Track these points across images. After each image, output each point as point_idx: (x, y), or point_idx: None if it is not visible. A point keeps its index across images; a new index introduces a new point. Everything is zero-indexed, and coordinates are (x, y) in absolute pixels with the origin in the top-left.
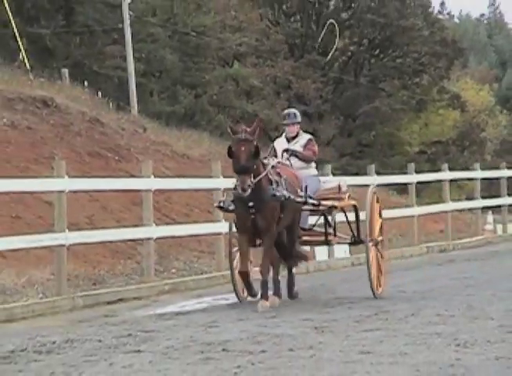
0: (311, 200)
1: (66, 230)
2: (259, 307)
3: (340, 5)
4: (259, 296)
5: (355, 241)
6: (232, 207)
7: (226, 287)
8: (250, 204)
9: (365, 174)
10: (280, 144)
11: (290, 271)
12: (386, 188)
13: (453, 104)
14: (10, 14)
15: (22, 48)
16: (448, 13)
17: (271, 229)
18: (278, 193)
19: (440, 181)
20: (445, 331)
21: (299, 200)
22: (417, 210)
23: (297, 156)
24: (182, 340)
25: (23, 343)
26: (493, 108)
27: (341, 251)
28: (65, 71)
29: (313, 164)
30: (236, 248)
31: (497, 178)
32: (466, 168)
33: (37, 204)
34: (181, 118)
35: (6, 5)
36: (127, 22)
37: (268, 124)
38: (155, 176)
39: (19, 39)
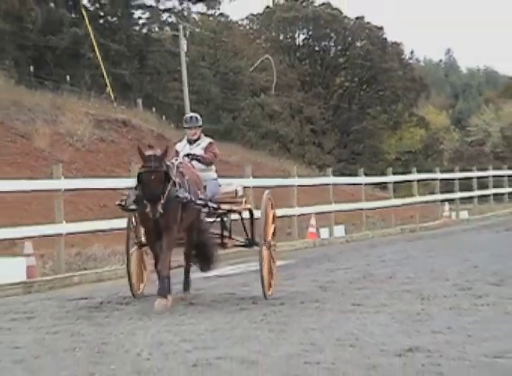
0: (211, 204)
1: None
2: (156, 305)
3: (337, 53)
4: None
5: (249, 243)
6: (132, 207)
7: (255, 258)
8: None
9: (356, 175)
10: (182, 147)
11: (187, 271)
12: (372, 186)
13: (420, 124)
14: (100, 59)
15: (108, 84)
16: (416, 59)
17: (172, 229)
18: (181, 195)
19: (411, 180)
20: (414, 289)
21: (200, 202)
22: (394, 201)
23: (198, 160)
24: (223, 296)
25: (108, 297)
26: (449, 127)
27: (339, 230)
28: (139, 101)
29: (213, 168)
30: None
31: (452, 179)
32: (430, 171)
33: (118, 197)
34: (222, 134)
35: (97, 53)
36: (184, 65)
37: (286, 138)
38: None
39: (106, 77)
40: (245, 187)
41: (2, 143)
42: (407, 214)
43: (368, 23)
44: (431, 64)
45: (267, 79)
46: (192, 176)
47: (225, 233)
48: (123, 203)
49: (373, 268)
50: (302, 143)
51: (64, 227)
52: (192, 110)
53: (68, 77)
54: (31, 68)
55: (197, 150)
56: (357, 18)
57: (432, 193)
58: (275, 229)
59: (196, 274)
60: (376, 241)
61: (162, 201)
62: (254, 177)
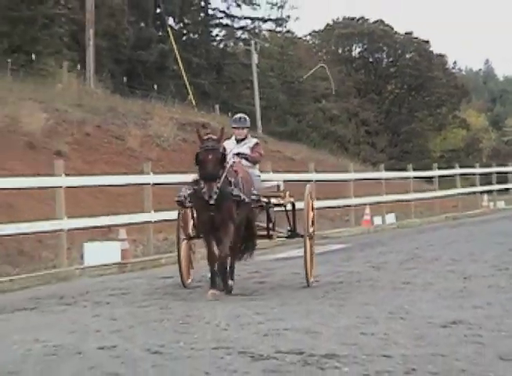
0: (263, 199)
1: None
2: (208, 296)
3: (389, 64)
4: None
5: (291, 235)
6: (189, 204)
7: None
8: (211, 202)
9: (405, 170)
10: (230, 145)
11: (232, 262)
12: (419, 180)
13: (461, 126)
14: (183, 71)
15: (190, 92)
16: (458, 68)
17: (228, 225)
18: (235, 193)
19: (453, 175)
20: (456, 269)
21: (253, 198)
22: (439, 193)
23: (246, 158)
24: (290, 275)
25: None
26: (487, 128)
27: (390, 218)
28: (216, 107)
29: (257, 166)
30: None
31: (490, 173)
32: (470, 166)
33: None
34: (288, 135)
35: (181, 65)
36: (255, 75)
37: (344, 139)
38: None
39: (188, 87)
40: (308, 180)
41: (100, 144)
42: (450, 204)
43: (416, 37)
44: (472, 73)
45: (327, 87)
46: (244, 174)
47: (270, 225)
48: (181, 199)
49: (420, 251)
50: (358, 143)
51: (152, 216)
52: (261, 115)
53: (156, 87)
54: (125, 79)
55: (244, 149)
56: (406, 33)
57: (472, 185)
58: (314, 219)
59: (267, 256)
60: (423, 228)
61: (218, 184)
62: (317, 172)
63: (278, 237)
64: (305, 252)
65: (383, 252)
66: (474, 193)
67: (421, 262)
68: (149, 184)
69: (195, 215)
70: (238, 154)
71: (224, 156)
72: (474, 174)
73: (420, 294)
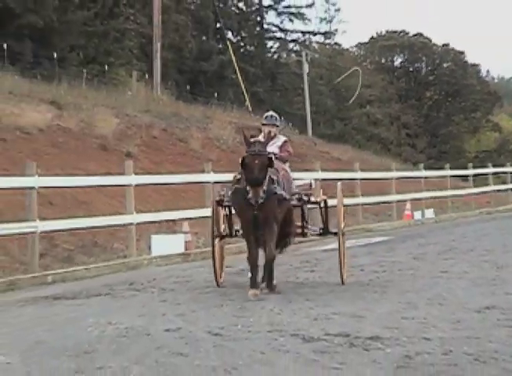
0: (304, 197)
1: None
2: (249, 295)
3: (428, 72)
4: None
5: (324, 232)
6: (227, 203)
7: (361, 235)
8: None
9: (443, 169)
10: None
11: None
12: (456, 178)
13: (494, 129)
14: (240, 80)
15: (247, 99)
16: (491, 76)
17: (271, 224)
18: (278, 192)
19: (487, 173)
20: (490, 259)
21: (297, 196)
22: (474, 190)
23: (276, 157)
24: (337, 264)
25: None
26: None
27: (429, 213)
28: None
29: (287, 164)
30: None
31: None
32: (502, 166)
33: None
34: (336, 137)
35: (238, 75)
36: (306, 84)
37: (387, 140)
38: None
39: (245, 93)
40: (353, 179)
41: (166, 146)
42: (484, 200)
43: (452, 48)
44: (503, 81)
45: (371, 94)
46: (284, 172)
47: (304, 224)
48: (222, 197)
49: (456, 242)
50: (399, 144)
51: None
52: (311, 120)
53: (216, 94)
54: (188, 87)
55: (273, 147)
56: (443, 45)
57: (504, 183)
58: (344, 216)
59: (316, 247)
60: (459, 222)
61: (264, 187)
62: (362, 171)
63: (311, 235)
64: (339, 250)
65: (422, 244)
66: (506, 190)
67: (457, 253)
68: (209, 182)
69: (233, 212)
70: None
71: (271, 160)
72: (505, 172)
73: (456, 282)
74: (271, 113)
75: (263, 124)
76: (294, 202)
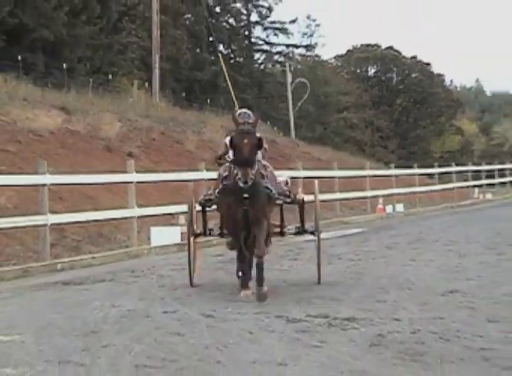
0: (292, 195)
1: None
2: (242, 296)
3: (398, 82)
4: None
5: (299, 231)
6: (209, 203)
7: (338, 227)
8: (245, 195)
9: (411, 168)
10: None
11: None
12: (423, 176)
13: (457, 132)
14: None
15: (237, 106)
16: (454, 85)
17: (262, 221)
18: (270, 186)
19: (450, 172)
20: (453, 249)
21: (287, 194)
22: (439, 187)
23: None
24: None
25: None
26: (478, 134)
27: (399, 207)
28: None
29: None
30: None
31: (480, 170)
32: (464, 165)
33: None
34: (317, 140)
35: (229, 83)
36: (289, 91)
37: (362, 142)
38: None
39: (235, 100)
40: (331, 177)
41: (164, 147)
42: (448, 195)
43: (420, 60)
44: (465, 89)
45: (347, 101)
46: (271, 169)
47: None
48: (206, 197)
49: (424, 234)
50: (373, 146)
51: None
52: (294, 123)
53: (209, 101)
54: (184, 94)
55: None
56: (412, 57)
57: (466, 180)
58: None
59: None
60: (426, 215)
61: (253, 171)
62: (340, 169)
63: (288, 234)
64: (318, 248)
65: (393, 235)
66: (467, 186)
67: (424, 243)
68: (203, 180)
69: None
70: None
71: (260, 140)
72: (467, 171)
73: (423, 269)
74: (244, 110)
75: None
76: (280, 202)
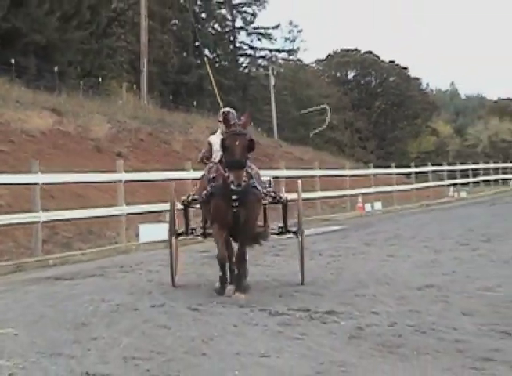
0: (280, 195)
1: None
2: (234, 299)
3: (376, 85)
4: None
5: (282, 231)
6: (195, 204)
7: (319, 224)
8: (234, 197)
9: (389, 167)
10: (216, 139)
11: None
12: (400, 175)
13: (433, 133)
14: (216, 91)
15: (222, 107)
16: (430, 88)
17: (252, 222)
18: (258, 187)
19: (426, 171)
20: (429, 245)
21: (272, 195)
22: (415, 185)
23: None
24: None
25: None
26: (452, 135)
27: (378, 205)
28: (242, 118)
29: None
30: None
31: (454, 170)
32: (439, 165)
33: None
34: (298, 140)
35: (214, 86)
36: (272, 94)
37: (342, 143)
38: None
39: (220, 103)
40: (313, 176)
41: (152, 147)
42: (424, 194)
43: (397, 64)
44: (440, 92)
45: (328, 103)
46: (256, 169)
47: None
48: (190, 198)
49: (401, 231)
50: (352, 147)
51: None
52: (277, 125)
53: (195, 103)
54: (171, 97)
55: None
56: (390, 61)
57: (441, 179)
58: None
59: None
60: (403, 213)
61: (245, 173)
62: (321, 169)
63: (271, 234)
64: (302, 249)
65: (372, 232)
66: (443, 185)
67: (402, 240)
68: (189, 179)
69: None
70: None
71: (252, 141)
72: (442, 171)
73: (400, 265)
74: (227, 109)
75: (219, 121)
76: (265, 201)
